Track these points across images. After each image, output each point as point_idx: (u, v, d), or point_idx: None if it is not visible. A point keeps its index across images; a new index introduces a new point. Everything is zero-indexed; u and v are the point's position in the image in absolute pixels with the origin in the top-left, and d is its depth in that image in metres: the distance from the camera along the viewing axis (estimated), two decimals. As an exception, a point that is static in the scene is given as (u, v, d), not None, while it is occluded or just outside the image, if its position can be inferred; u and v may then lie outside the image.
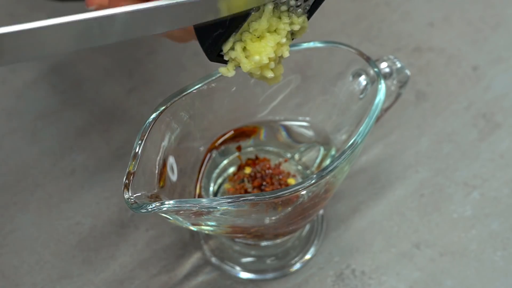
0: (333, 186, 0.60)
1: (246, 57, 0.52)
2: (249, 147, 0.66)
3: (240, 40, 0.52)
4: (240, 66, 0.53)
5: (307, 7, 0.53)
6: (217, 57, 0.53)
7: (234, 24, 0.51)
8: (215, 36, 0.52)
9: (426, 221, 0.67)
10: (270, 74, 0.53)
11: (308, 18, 0.53)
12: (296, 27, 0.53)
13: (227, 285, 0.65)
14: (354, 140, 0.57)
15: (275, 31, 0.53)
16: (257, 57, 0.52)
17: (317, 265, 0.66)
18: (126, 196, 0.53)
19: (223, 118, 0.65)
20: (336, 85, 0.64)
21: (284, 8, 0.52)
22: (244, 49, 0.53)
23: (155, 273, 0.65)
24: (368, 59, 0.61)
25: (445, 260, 0.65)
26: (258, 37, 0.53)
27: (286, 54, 0.53)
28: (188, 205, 0.53)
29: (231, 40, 0.52)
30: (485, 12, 0.81)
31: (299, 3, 0.52)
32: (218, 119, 0.64)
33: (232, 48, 0.52)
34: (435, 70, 0.77)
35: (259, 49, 0.52)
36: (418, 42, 0.79)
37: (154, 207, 0.53)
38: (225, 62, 0.53)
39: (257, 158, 0.65)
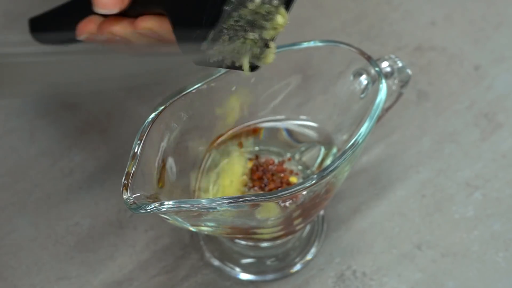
0: (334, 186, 0.59)
1: None
2: (249, 147, 0.66)
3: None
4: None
5: None
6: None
7: (211, 22, 0.51)
8: (194, 38, 0.51)
9: (427, 222, 0.67)
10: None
11: (287, 9, 0.53)
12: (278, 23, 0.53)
13: (226, 286, 0.64)
14: (355, 140, 0.57)
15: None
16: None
17: (318, 266, 0.65)
18: (125, 196, 0.53)
19: (223, 118, 0.64)
20: (336, 84, 0.63)
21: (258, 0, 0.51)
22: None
23: (154, 274, 0.65)
24: (369, 59, 0.61)
25: (446, 261, 0.65)
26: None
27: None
28: (187, 205, 0.53)
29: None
30: (487, 11, 0.81)
31: None
32: (218, 119, 0.64)
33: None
34: (436, 69, 0.77)
35: None
36: (419, 41, 0.78)
37: (153, 207, 0.52)
38: (211, 65, 0.53)
39: (257, 158, 0.65)
